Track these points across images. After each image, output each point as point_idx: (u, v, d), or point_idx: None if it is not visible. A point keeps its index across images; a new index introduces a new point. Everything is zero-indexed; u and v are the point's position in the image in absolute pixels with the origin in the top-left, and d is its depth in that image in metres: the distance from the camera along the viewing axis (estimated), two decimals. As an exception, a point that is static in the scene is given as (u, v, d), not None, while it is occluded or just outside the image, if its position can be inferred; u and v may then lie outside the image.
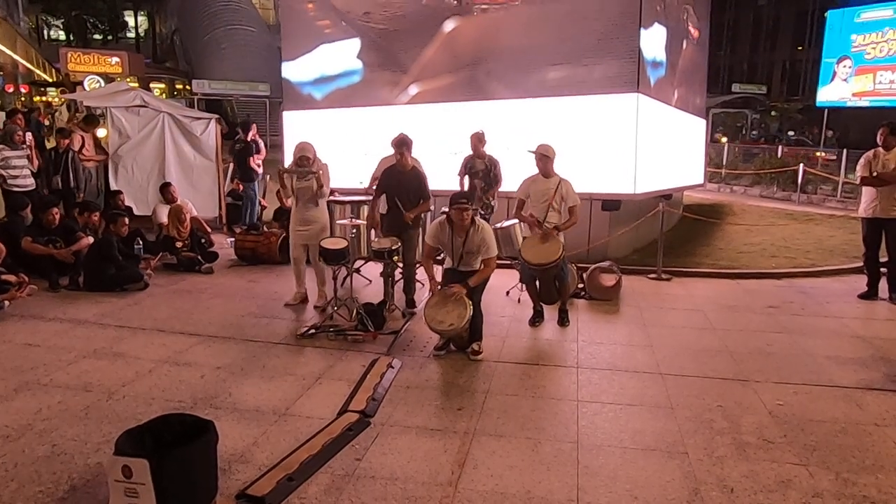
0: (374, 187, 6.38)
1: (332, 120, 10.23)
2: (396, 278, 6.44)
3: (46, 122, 17.23)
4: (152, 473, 2.63)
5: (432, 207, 6.56)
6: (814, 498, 3.08)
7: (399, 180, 6.02)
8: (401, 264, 6.24)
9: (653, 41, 8.57)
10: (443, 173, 7.44)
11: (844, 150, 15.93)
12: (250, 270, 7.90)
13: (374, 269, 7.10)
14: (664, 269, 7.84)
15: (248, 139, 10.37)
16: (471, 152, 7.27)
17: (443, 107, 9.20)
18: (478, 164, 7.20)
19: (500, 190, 7.27)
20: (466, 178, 7.32)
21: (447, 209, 5.15)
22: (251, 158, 10.16)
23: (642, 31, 7.99)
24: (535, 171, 5.99)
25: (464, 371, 4.73)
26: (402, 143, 6.00)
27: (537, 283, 5.89)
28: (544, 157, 5.87)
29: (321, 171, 6.06)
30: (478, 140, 7.19)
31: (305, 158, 6.01)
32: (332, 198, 6.84)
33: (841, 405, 4.17)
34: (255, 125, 10.98)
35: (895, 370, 4.80)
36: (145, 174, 9.77)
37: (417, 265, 6.63)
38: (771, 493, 3.11)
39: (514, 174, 7.29)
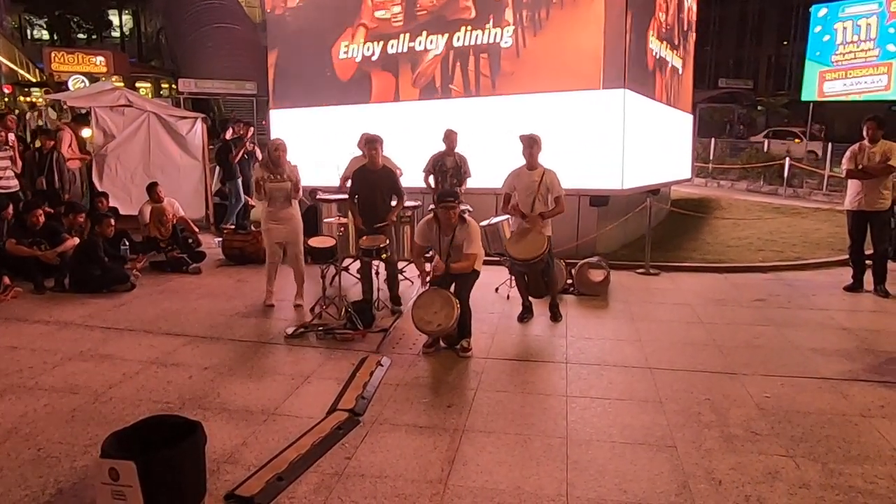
0: (347, 187, 6.33)
1: (319, 118, 10.21)
2: (382, 276, 6.41)
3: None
4: (139, 475, 2.60)
5: (420, 203, 6.55)
6: (801, 489, 3.11)
7: (371, 179, 6.01)
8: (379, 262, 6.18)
9: (639, 37, 8.59)
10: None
11: (830, 144, 16.05)
12: (238, 270, 7.86)
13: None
14: (652, 263, 7.88)
15: (228, 138, 10.30)
16: (442, 150, 7.22)
17: (434, 104, 9.20)
18: (448, 162, 7.17)
19: (468, 186, 7.26)
20: (432, 176, 7.28)
21: (433, 207, 5.15)
22: (230, 156, 10.09)
23: (628, 26, 8.01)
24: (515, 164, 5.97)
25: (453, 368, 4.73)
26: (370, 142, 5.98)
27: (526, 277, 5.90)
28: (533, 144, 5.80)
29: (294, 175, 6.08)
30: (453, 138, 7.17)
31: (280, 155, 6.02)
32: (318, 196, 6.83)
33: (827, 397, 4.21)
34: (252, 127, 10.90)
35: (880, 361, 4.85)
36: (129, 173, 9.69)
37: (405, 264, 6.63)
38: (759, 485, 3.14)
39: (502, 170, 7.32)
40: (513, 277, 6.24)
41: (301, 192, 6.30)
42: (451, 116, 8.54)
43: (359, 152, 6.18)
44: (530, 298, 5.99)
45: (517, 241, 5.78)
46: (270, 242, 6.27)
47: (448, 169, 7.17)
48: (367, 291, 6.16)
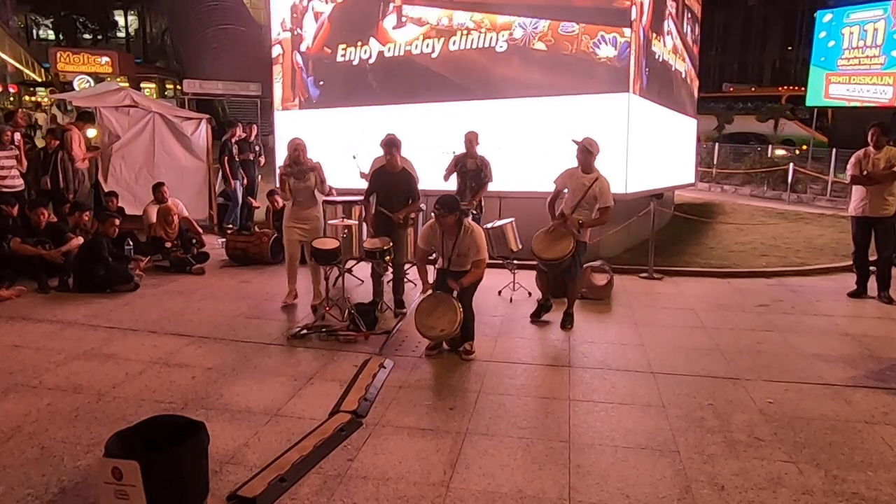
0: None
1: (324, 120, 10.22)
2: (387, 278, 6.43)
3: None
4: (143, 475, 2.61)
5: (424, 207, 6.55)
6: (804, 495, 3.10)
7: (388, 181, 6.03)
8: (391, 265, 6.22)
9: (644, 41, 8.59)
10: (436, 173, 7.44)
11: (834, 150, 16.03)
12: (241, 271, 7.88)
13: (365, 269, 7.09)
14: (655, 268, 7.87)
15: (228, 139, 10.37)
16: (463, 151, 7.28)
17: (439, 107, 9.20)
18: (469, 164, 7.21)
19: (489, 189, 7.28)
20: (455, 176, 7.29)
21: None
22: (225, 158, 10.20)
23: (633, 31, 8.01)
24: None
25: (456, 371, 4.73)
26: (390, 144, 6.00)
27: (548, 276, 5.83)
28: (586, 151, 5.66)
29: (317, 171, 6.15)
30: (472, 139, 7.20)
31: (300, 154, 6.06)
32: (325, 198, 6.84)
33: (830, 403, 4.20)
34: (253, 126, 10.97)
35: (883, 368, 4.84)
36: (134, 174, 9.73)
37: (408, 265, 6.63)
38: (761, 491, 3.13)
39: (507, 173, 7.32)
40: (515, 274, 6.21)
41: (327, 187, 6.35)
42: (453, 120, 8.54)
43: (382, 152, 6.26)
44: (551, 298, 5.92)
45: (543, 240, 5.69)
46: (290, 241, 6.30)
47: (468, 171, 7.19)
48: (377, 293, 6.17)
